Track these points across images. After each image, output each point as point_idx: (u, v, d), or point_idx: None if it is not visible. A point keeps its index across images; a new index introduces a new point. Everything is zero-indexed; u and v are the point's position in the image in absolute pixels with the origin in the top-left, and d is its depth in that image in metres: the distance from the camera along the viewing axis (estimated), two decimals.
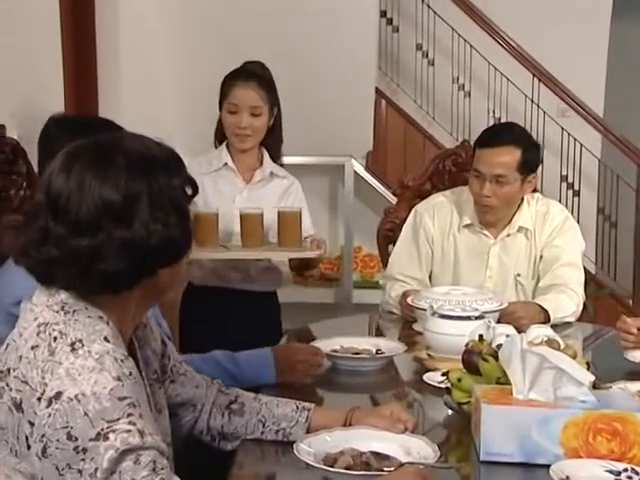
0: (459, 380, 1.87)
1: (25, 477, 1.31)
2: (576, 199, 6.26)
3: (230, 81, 2.99)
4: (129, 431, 1.26)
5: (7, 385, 1.33)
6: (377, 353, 2.34)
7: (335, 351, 2.32)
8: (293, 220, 2.80)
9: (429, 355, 2.33)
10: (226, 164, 3.03)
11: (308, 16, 5.62)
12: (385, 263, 3.24)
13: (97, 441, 1.25)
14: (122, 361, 1.33)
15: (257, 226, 2.80)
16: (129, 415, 1.28)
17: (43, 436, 1.27)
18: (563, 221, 2.97)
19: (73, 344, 1.31)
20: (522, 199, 2.95)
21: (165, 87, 5.28)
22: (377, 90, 6.31)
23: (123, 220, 1.35)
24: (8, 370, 1.34)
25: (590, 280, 5.09)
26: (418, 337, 2.53)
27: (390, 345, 2.42)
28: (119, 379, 1.29)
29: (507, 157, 2.80)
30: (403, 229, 3.09)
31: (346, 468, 1.58)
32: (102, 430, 1.25)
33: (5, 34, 3.54)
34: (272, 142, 3.08)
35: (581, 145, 6.28)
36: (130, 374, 1.33)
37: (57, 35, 4.28)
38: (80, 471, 1.26)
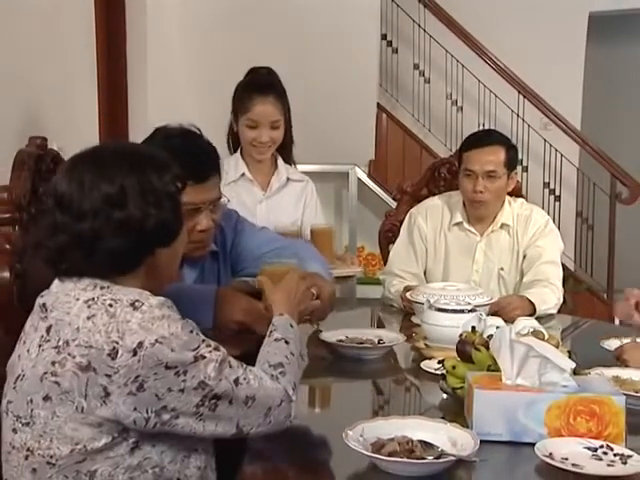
0: (453, 367, 1.86)
1: (92, 427, 1.37)
2: (557, 203, 6.28)
3: (247, 96, 2.79)
4: (212, 349, 1.40)
5: (69, 354, 1.36)
6: (379, 343, 2.32)
7: (341, 341, 2.31)
8: (327, 237, 2.68)
9: (426, 345, 2.31)
10: (243, 174, 2.87)
11: (318, 39, 5.67)
12: (386, 261, 3.23)
13: (196, 362, 1.37)
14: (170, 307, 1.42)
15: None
16: (203, 341, 1.41)
17: (137, 377, 1.34)
18: (545, 224, 2.97)
19: (133, 304, 1.37)
20: (504, 200, 2.96)
21: (189, 111, 5.31)
22: (378, 105, 6.32)
23: (119, 205, 1.41)
24: (66, 342, 1.37)
25: (569, 277, 5.09)
26: (416, 328, 2.51)
27: (391, 336, 2.40)
28: (182, 319, 1.40)
29: (495, 155, 2.84)
30: (400, 230, 3.09)
31: (390, 454, 1.48)
32: (195, 355, 1.37)
33: (48, 62, 3.57)
34: (284, 144, 2.89)
35: (561, 155, 6.29)
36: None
37: (93, 62, 4.32)
38: (182, 390, 1.36)
